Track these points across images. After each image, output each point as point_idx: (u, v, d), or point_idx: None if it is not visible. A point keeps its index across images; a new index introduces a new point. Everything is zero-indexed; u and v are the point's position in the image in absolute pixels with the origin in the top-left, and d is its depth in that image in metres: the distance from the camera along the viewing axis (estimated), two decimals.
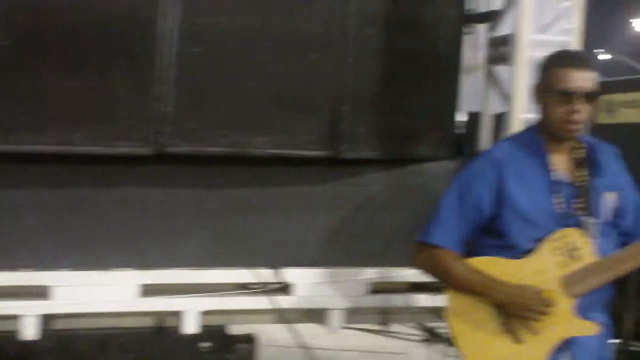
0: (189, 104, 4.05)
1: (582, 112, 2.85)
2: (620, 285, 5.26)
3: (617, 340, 5.31)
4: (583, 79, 2.86)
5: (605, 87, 6.77)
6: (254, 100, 4.12)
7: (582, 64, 2.90)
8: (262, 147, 4.16)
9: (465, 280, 2.94)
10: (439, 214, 3.00)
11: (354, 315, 4.60)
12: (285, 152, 4.21)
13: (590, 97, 2.86)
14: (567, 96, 2.84)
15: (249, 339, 4.79)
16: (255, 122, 4.16)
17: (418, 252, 3.05)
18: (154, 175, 4.20)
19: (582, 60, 2.92)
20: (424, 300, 4.47)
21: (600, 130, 6.44)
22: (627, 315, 5.33)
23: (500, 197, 2.93)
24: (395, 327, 4.99)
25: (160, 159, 4.07)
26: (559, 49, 3.11)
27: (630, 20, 36.46)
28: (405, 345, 5.16)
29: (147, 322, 4.28)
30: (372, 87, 4.26)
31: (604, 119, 6.42)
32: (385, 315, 4.76)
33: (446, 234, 2.97)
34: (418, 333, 4.98)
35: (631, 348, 5.36)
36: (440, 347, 4.70)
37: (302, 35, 4.14)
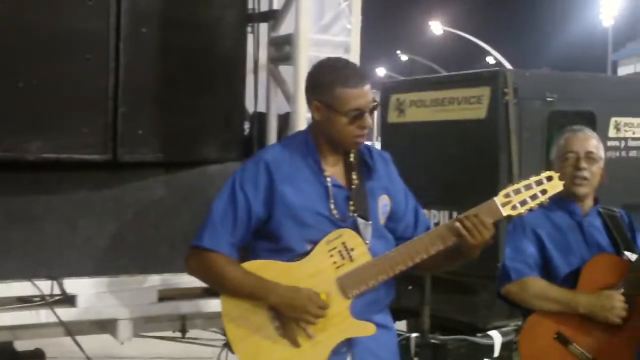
0: None
1: (370, 123, 2.88)
2: (417, 280, 5.48)
3: (415, 334, 5.47)
4: (368, 95, 2.89)
5: (396, 87, 7.02)
6: (25, 102, 3.88)
7: (363, 79, 2.90)
8: (36, 151, 3.92)
9: (239, 284, 2.89)
10: (211, 218, 2.93)
11: (150, 323, 4.45)
12: (62, 156, 3.99)
13: (375, 109, 2.90)
14: (359, 115, 2.85)
15: (36, 355, 4.57)
16: (28, 125, 3.92)
17: (190, 257, 2.97)
18: None
19: (362, 76, 2.92)
20: (218, 305, 4.39)
21: (391, 129, 6.69)
22: (424, 309, 5.47)
23: (271, 200, 2.90)
24: (194, 333, 4.91)
25: None
26: (332, 58, 3.08)
27: (428, 23, 38.19)
28: (210, 350, 5.13)
29: None
30: (150, 87, 4.12)
31: (395, 118, 6.60)
32: (183, 322, 4.64)
33: (218, 237, 2.90)
34: (218, 338, 4.91)
35: (431, 341, 5.51)
36: None
37: (75, 33, 3.93)
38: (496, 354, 5.58)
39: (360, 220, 2.92)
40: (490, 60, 37.02)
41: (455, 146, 6.04)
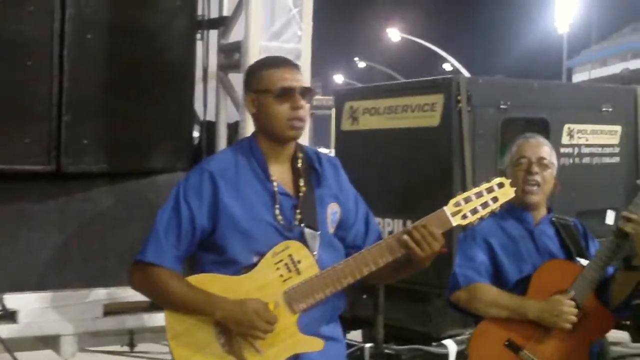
0: None
1: (304, 108, 2.81)
2: (371, 289, 5.43)
3: (369, 345, 5.41)
4: (297, 77, 2.84)
5: (349, 94, 6.97)
6: None
7: (290, 63, 2.90)
8: None
9: (184, 299, 2.79)
10: (155, 230, 2.84)
11: (97, 337, 4.34)
12: (3, 166, 3.87)
13: (306, 93, 2.82)
14: (288, 93, 2.79)
15: None
16: None
17: (134, 271, 2.87)
18: None
19: (289, 61, 2.93)
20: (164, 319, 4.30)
21: (345, 137, 6.64)
22: (378, 318, 5.41)
23: (216, 211, 2.81)
24: (143, 347, 4.80)
25: None
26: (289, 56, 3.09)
27: (386, 30, 38.39)
28: None
29: None
30: (96, 95, 4.01)
31: (348, 126, 6.55)
32: (131, 336, 4.53)
33: (162, 251, 2.81)
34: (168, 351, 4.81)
35: (386, 351, 5.45)
36: None
37: (16, 39, 3.81)
38: None
39: (307, 231, 2.85)
40: (447, 67, 37.31)
41: (409, 154, 6.00)
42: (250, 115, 2.93)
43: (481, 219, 2.83)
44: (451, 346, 5.55)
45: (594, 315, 3.22)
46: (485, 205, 2.82)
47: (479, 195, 2.83)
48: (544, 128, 6.19)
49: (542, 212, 3.44)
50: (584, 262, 3.29)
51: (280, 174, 2.90)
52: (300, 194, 2.89)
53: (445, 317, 5.65)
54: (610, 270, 3.30)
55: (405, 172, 5.98)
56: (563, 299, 3.16)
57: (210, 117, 4.62)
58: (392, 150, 6.12)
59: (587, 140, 6.46)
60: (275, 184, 2.87)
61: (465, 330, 5.75)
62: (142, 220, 4.13)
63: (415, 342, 5.61)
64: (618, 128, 6.67)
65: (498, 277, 3.36)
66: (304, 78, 2.88)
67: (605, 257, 3.17)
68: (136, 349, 4.66)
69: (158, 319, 4.13)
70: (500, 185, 2.86)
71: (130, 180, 4.26)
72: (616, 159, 6.69)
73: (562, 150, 6.23)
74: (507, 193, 2.85)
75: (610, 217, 6.35)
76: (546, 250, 3.37)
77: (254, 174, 2.87)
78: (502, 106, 5.91)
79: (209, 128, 4.58)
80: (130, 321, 4.27)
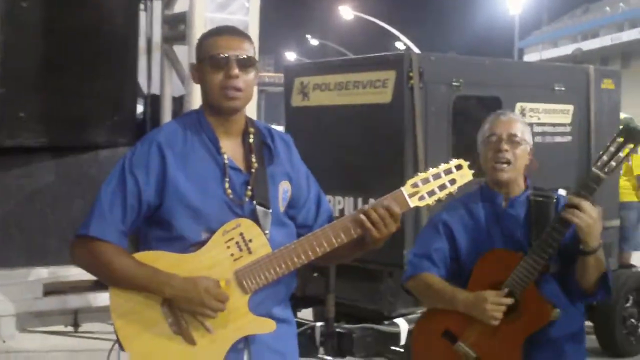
0: None
1: (239, 78, 2.68)
2: (322, 268, 5.36)
3: (320, 323, 5.34)
4: (234, 46, 2.70)
5: (299, 70, 6.86)
6: None
7: (232, 32, 2.75)
8: None
9: (131, 276, 2.66)
10: (98, 204, 2.69)
11: (40, 317, 4.21)
12: None
13: (243, 63, 2.70)
14: (222, 61, 2.67)
15: None
16: None
17: (76, 247, 2.73)
18: None
19: (233, 29, 2.78)
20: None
21: (295, 113, 6.53)
22: (329, 297, 5.34)
23: (163, 185, 2.69)
24: (88, 327, 4.68)
25: None
26: None
27: (338, 7, 38.30)
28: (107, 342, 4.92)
29: None
30: (33, 68, 3.88)
31: (299, 102, 6.44)
32: (74, 315, 4.41)
33: (106, 225, 2.67)
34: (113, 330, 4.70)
35: (337, 330, 5.39)
36: None
37: None
38: (402, 341, 5.49)
39: (259, 209, 2.74)
40: (399, 45, 37.32)
41: (360, 131, 5.92)
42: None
43: (438, 200, 2.75)
44: (403, 325, 5.50)
45: (532, 306, 3.11)
46: (442, 187, 2.74)
47: (436, 176, 2.74)
48: (497, 106, 6.14)
49: (516, 190, 3.30)
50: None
51: (230, 148, 2.79)
52: (252, 170, 2.78)
53: (397, 296, 5.60)
54: None
55: (357, 150, 5.90)
56: (489, 295, 3.06)
57: (155, 90, 4.49)
58: (343, 127, 6.03)
59: (539, 119, 6.45)
60: (225, 156, 2.75)
61: (416, 308, 5.72)
62: (84, 196, 4.03)
63: (366, 321, 5.56)
64: (570, 107, 6.66)
65: (458, 265, 3.29)
66: (247, 48, 2.74)
67: (545, 245, 3.05)
68: (80, 328, 4.54)
69: (103, 298, 4.05)
70: (459, 167, 2.77)
71: (71, 155, 4.14)
72: (568, 138, 6.68)
73: None
74: (465, 175, 2.77)
75: None
76: (510, 234, 3.25)
77: (203, 146, 2.75)
78: (454, 83, 5.84)
79: (154, 102, 4.45)
80: (73, 301, 4.16)
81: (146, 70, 4.36)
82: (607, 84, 7.03)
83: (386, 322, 5.59)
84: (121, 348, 2.77)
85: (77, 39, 4.01)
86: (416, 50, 29.62)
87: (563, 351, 3.25)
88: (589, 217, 2.95)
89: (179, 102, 4.40)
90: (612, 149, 2.94)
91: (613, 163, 2.93)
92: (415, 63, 5.62)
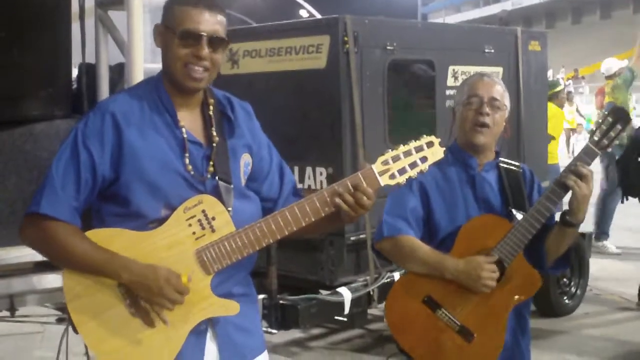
0: None
1: (208, 58, 2.52)
2: None
3: (263, 296, 5.22)
4: (209, 22, 2.53)
5: (228, 37, 6.65)
6: None
7: (211, 5, 2.56)
8: None
9: (87, 259, 2.50)
10: (49, 180, 2.51)
11: None
12: None
13: (215, 43, 2.53)
14: (192, 37, 2.51)
15: None
16: None
17: (27, 226, 2.54)
18: None
19: (212, 2, 2.57)
20: (53, 280, 3.96)
21: (224, 82, 6.33)
22: (271, 270, 5.22)
23: (119, 158, 2.51)
24: (25, 310, 4.44)
25: None
26: None
27: None
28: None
29: None
30: None
31: (228, 69, 6.24)
32: (10, 300, 4.16)
33: (58, 202, 2.49)
34: (53, 314, 4.53)
35: (280, 302, 5.29)
36: None
37: None
38: (347, 310, 5.44)
39: (221, 184, 2.60)
40: (303, 13, 37.16)
41: (295, 98, 5.79)
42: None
43: (409, 179, 2.65)
44: (346, 294, 5.45)
45: (520, 276, 3.06)
46: (413, 165, 2.66)
47: (407, 154, 2.65)
48: (431, 70, 6.11)
49: (489, 156, 3.23)
50: (518, 214, 3.12)
51: (189, 121, 2.63)
52: (214, 144, 2.62)
53: (339, 265, 5.54)
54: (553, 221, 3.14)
55: (292, 117, 5.77)
56: (483, 262, 2.98)
57: (90, 59, 4.24)
58: (276, 95, 5.88)
59: None
60: (183, 130, 2.59)
61: (357, 277, 5.67)
62: (19, 173, 3.81)
63: (309, 292, 5.47)
64: (500, 69, 6.68)
65: (429, 225, 3.19)
66: (222, 23, 2.55)
67: (539, 214, 3.00)
68: (18, 312, 4.31)
69: (43, 281, 3.84)
70: (430, 144, 2.68)
71: (4, 130, 3.87)
72: None
73: (448, 92, 6.18)
74: (437, 152, 2.68)
75: None
76: (484, 198, 3.18)
77: (161, 118, 2.59)
78: (388, 47, 5.77)
79: (89, 71, 4.21)
80: (11, 285, 3.91)
81: (79, 38, 4.11)
82: (534, 45, 7.08)
83: (329, 292, 5.52)
84: (75, 331, 2.61)
85: (4, 6, 3.73)
86: (318, 17, 29.44)
87: (522, 316, 3.24)
88: (587, 188, 2.94)
89: (116, 70, 4.18)
90: (603, 126, 2.95)
91: (605, 141, 2.95)
92: (350, 27, 5.53)
